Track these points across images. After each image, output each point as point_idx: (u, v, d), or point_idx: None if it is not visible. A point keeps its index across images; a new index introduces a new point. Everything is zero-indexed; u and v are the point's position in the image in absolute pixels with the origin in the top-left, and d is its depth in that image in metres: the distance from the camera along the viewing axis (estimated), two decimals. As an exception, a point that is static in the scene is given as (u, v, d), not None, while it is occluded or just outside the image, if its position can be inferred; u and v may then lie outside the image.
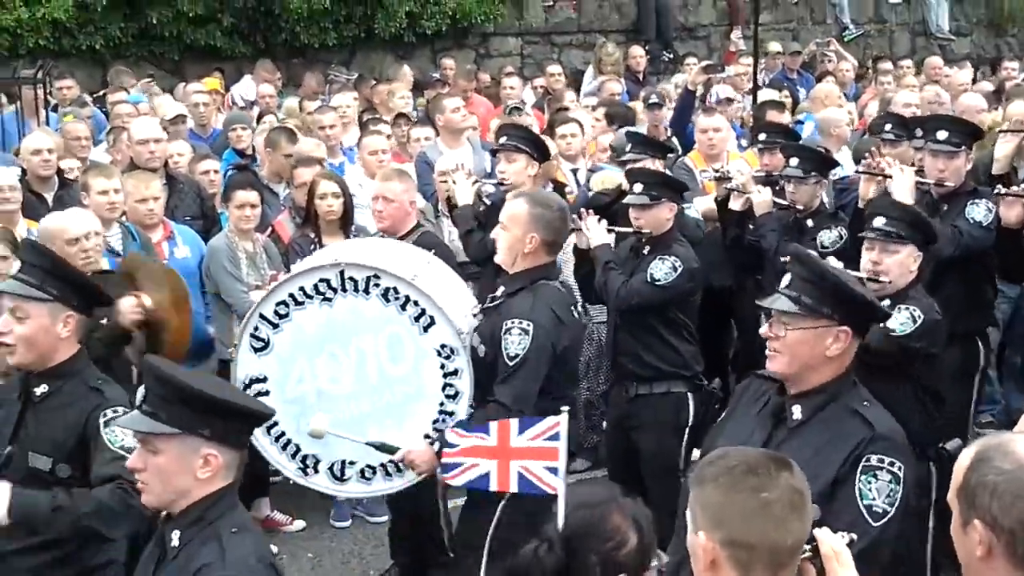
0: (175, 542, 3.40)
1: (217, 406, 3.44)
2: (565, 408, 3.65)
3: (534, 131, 8.14)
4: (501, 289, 5.58)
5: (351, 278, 5.51)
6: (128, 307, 5.99)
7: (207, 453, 3.38)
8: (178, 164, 9.00)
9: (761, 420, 4.03)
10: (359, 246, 6.32)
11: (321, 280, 5.53)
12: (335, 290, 5.52)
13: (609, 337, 6.81)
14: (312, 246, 7.43)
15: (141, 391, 3.48)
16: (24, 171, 8.33)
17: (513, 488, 3.45)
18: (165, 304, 6.18)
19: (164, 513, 3.51)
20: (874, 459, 3.77)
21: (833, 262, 5.90)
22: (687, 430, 6.47)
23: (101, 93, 12.71)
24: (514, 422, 3.58)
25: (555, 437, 3.46)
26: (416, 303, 5.46)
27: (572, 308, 5.68)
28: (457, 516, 7.02)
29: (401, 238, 6.94)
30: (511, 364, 5.27)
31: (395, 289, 5.48)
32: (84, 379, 4.53)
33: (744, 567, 2.67)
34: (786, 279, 4.04)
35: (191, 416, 3.37)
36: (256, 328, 5.58)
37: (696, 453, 4.57)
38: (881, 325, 5.47)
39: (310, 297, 5.54)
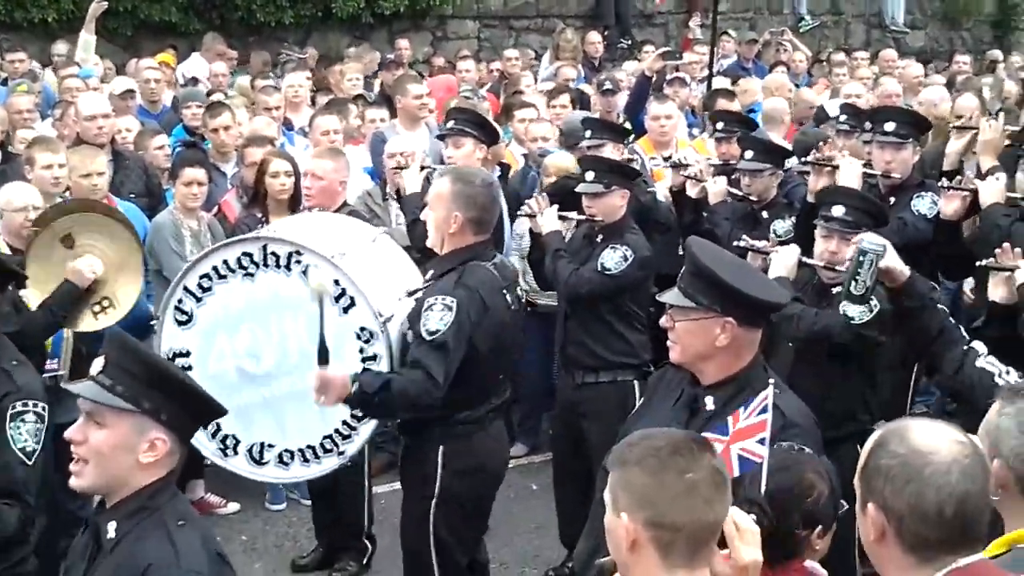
0: (111, 534, 3.22)
1: (181, 391, 3.30)
2: (771, 380, 3.66)
3: (481, 114, 8.08)
4: (430, 272, 5.46)
5: (273, 253, 5.42)
6: (85, 266, 6.13)
7: (156, 437, 3.22)
8: (126, 140, 8.91)
9: (676, 411, 4.07)
10: (299, 221, 6.24)
11: (244, 253, 5.45)
12: (257, 264, 5.43)
13: (559, 325, 6.78)
14: (259, 225, 7.35)
15: (99, 360, 3.31)
16: (-33, 144, 8.24)
17: (736, 472, 3.47)
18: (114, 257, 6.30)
19: (96, 502, 3.40)
20: (784, 446, 3.79)
21: (788, 251, 5.98)
22: None
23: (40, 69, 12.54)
24: (740, 411, 3.59)
25: (765, 410, 3.50)
26: (336, 282, 5.30)
27: (504, 292, 5.46)
28: (384, 499, 7.15)
29: None
30: (429, 338, 5.05)
31: (316, 267, 5.34)
32: None
33: (666, 547, 2.67)
34: (681, 272, 4.09)
35: (151, 395, 3.22)
36: (180, 300, 5.50)
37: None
38: (842, 314, 5.54)
39: (232, 271, 5.45)
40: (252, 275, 5.43)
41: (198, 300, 5.48)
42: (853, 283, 4.88)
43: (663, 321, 4.07)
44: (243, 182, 8.04)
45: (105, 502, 3.33)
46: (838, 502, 3.56)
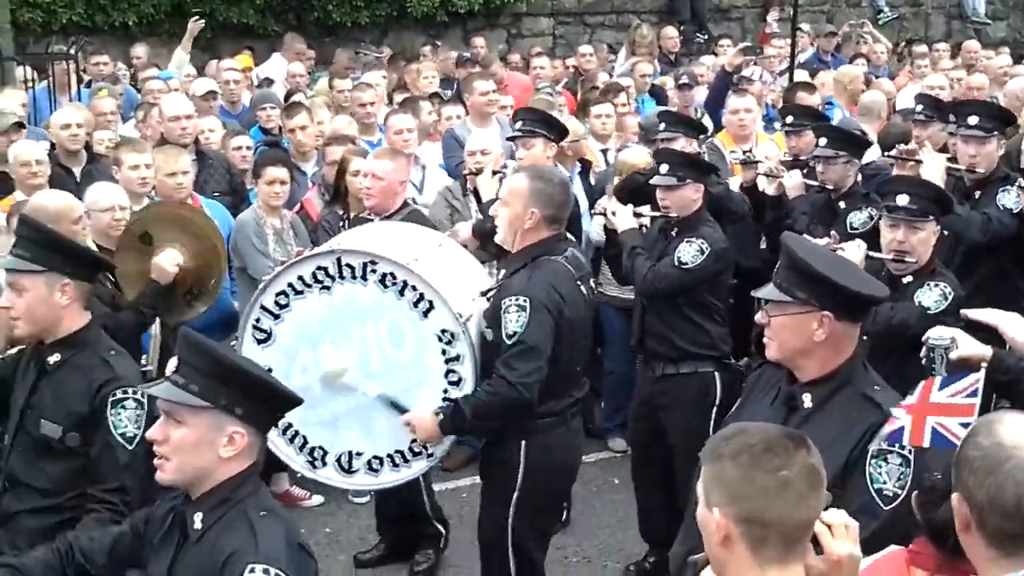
0: (198, 524, 3.32)
1: (254, 385, 3.37)
2: (984, 363, 3.64)
3: (548, 112, 8.08)
4: (503, 271, 5.51)
5: (348, 265, 5.42)
6: (167, 261, 6.25)
7: (233, 431, 3.30)
8: (209, 140, 9.04)
9: (774, 409, 4.03)
10: (364, 232, 6.26)
11: (319, 268, 5.45)
12: (332, 277, 5.43)
13: (636, 319, 6.76)
14: (341, 223, 7.46)
15: (173, 361, 3.41)
16: (53, 145, 8.38)
17: (926, 443, 3.44)
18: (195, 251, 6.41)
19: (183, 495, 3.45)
20: (885, 444, 3.75)
21: (854, 247, 5.93)
22: (714, 409, 6.42)
23: (131, 71, 12.75)
24: (937, 379, 3.56)
25: (974, 394, 3.46)
26: (414, 288, 5.36)
27: (578, 282, 5.51)
28: (442, 499, 7.16)
29: (389, 216, 6.93)
30: (510, 342, 5.18)
31: (392, 275, 5.39)
32: (96, 349, 4.55)
33: (758, 543, 2.66)
34: (776, 267, 4.05)
35: (225, 392, 3.30)
36: (258, 320, 5.52)
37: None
38: (917, 304, 5.48)
39: (309, 286, 5.46)
40: (329, 288, 5.45)
41: (276, 318, 5.50)
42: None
43: (759, 317, 4.04)
44: (324, 180, 8.12)
45: (190, 495, 3.41)
46: None
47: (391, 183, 7.02)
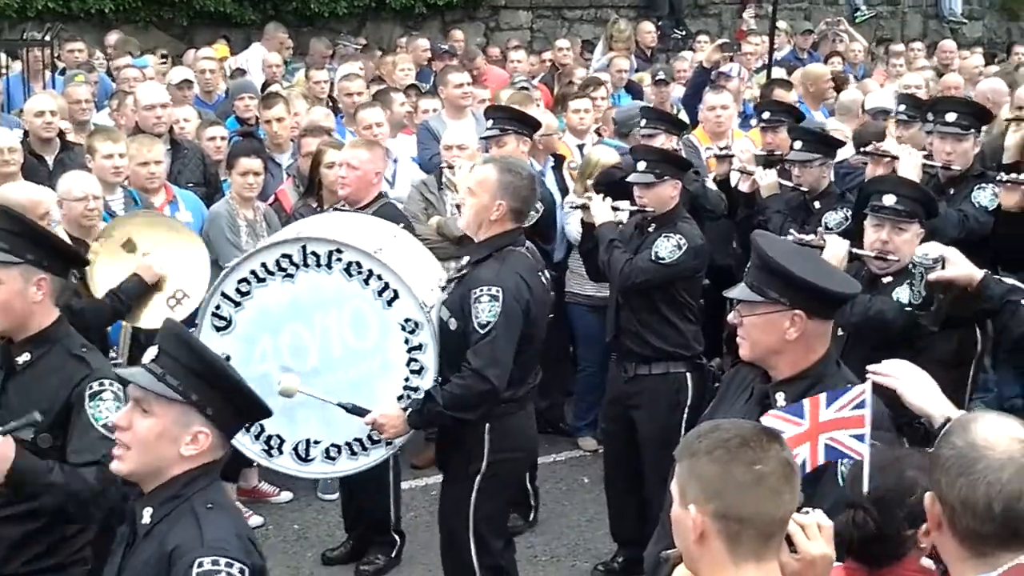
0: (146, 519, 3.24)
1: (230, 388, 3.32)
2: (870, 375, 3.64)
3: (518, 108, 8.06)
4: (466, 258, 5.54)
5: (313, 252, 5.43)
6: (154, 261, 6.26)
7: (199, 430, 3.24)
8: (184, 130, 8.98)
9: (748, 408, 4.01)
10: (324, 220, 6.24)
11: (283, 256, 5.45)
12: (296, 265, 5.43)
13: (611, 315, 6.75)
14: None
15: (152, 350, 3.33)
16: (26, 133, 8.31)
17: (821, 460, 3.44)
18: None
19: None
20: (880, 444, 3.74)
21: (837, 242, 5.94)
22: (686, 410, 6.43)
23: (104, 59, 12.66)
24: (822, 397, 3.54)
25: (861, 405, 3.44)
26: (379, 277, 5.39)
27: (540, 274, 5.64)
28: (411, 496, 7.22)
29: (363, 208, 6.92)
30: (482, 331, 5.25)
31: (357, 263, 5.41)
32: (66, 346, 4.40)
33: (734, 539, 2.65)
34: (747, 267, 4.05)
35: (200, 389, 3.25)
36: (218, 307, 5.48)
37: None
38: (896, 300, 5.49)
39: (272, 273, 5.46)
40: (292, 276, 5.45)
41: (237, 305, 5.48)
42: (910, 293, 4.87)
43: (731, 317, 4.04)
44: (299, 172, 8.08)
45: (143, 489, 3.34)
46: None
47: (366, 173, 6.99)
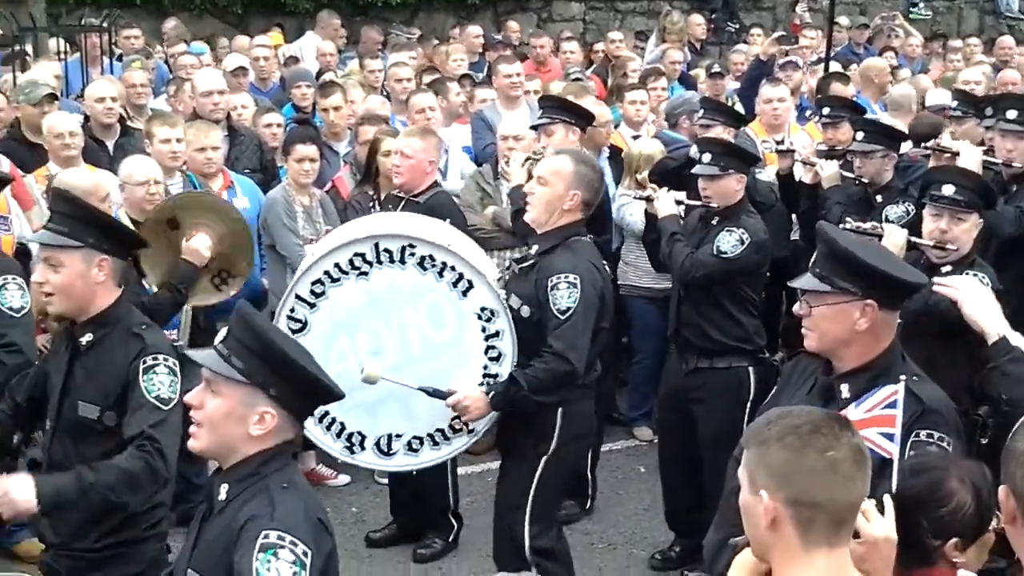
0: (222, 495, 3.31)
1: (294, 371, 3.33)
2: (903, 376, 3.64)
3: (570, 99, 8.05)
4: (535, 247, 5.61)
5: (386, 249, 5.44)
6: (201, 244, 6.21)
7: (264, 411, 3.27)
8: (241, 116, 9.03)
9: (810, 400, 3.97)
10: (385, 218, 6.26)
11: (356, 254, 5.45)
12: (370, 263, 5.44)
13: (673, 308, 6.73)
14: (371, 204, 7.44)
15: (224, 331, 3.37)
16: (86, 117, 8.38)
17: None
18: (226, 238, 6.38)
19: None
20: (923, 434, 3.72)
21: (897, 231, 5.91)
22: (747, 404, 6.38)
23: (160, 47, 12.76)
24: (866, 395, 3.57)
25: (892, 405, 3.44)
26: (453, 268, 5.44)
27: (604, 264, 5.77)
28: (468, 482, 7.25)
29: (416, 196, 6.95)
30: (562, 317, 5.35)
31: (431, 257, 5.44)
32: (127, 325, 4.48)
33: (806, 525, 2.64)
34: (814, 257, 4.01)
35: (263, 370, 3.28)
36: (292, 310, 5.48)
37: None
38: None
39: (346, 272, 5.46)
40: (367, 274, 5.45)
41: (311, 306, 5.46)
42: None
43: (796, 308, 4.00)
44: (356, 160, 8.11)
45: (221, 466, 3.42)
46: (989, 513, 3.35)
47: (420, 162, 7.01)
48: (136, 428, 4.24)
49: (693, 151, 7.30)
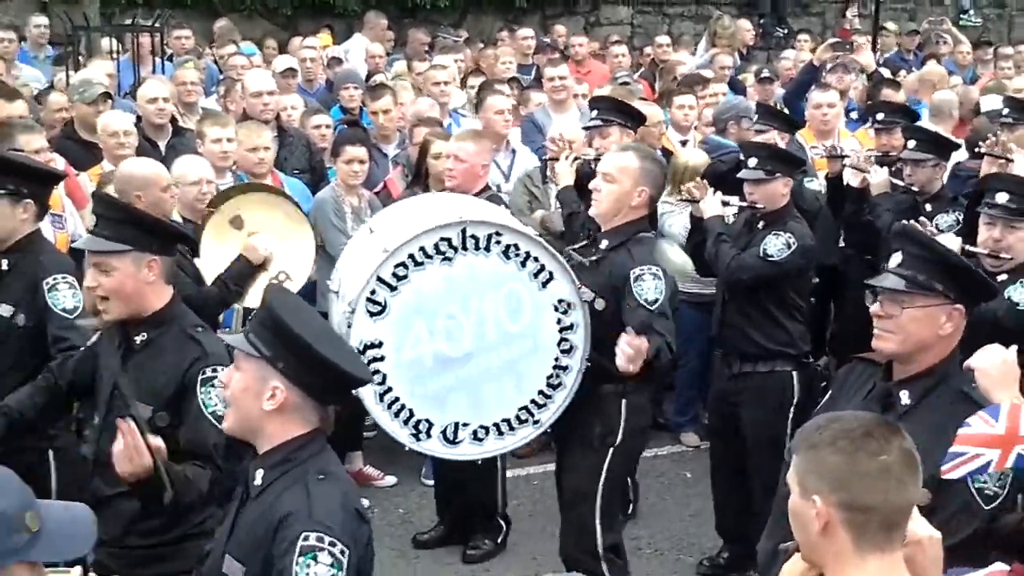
0: (258, 480, 3.38)
1: (298, 346, 3.34)
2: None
3: (623, 101, 8.02)
4: (605, 242, 5.66)
5: (472, 236, 5.44)
6: (259, 243, 6.34)
7: (275, 385, 3.33)
8: (291, 117, 9.07)
9: (867, 406, 3.91)
10: (472, 204, 6.22)
11: (442, 239, 5.43)
12: (456, 248, 5.42)
13: (717, 311, 6.73)
14: (419, 206, 7.45)
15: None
16: (139, 117, 8.45)
17: (1008, 466, 3.42)
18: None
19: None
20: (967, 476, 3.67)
21: (951, 238, 5.87)
22: (792, 409, 6.39)
23: (210, 48, 12.84)
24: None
25: None
26: (536, 259, 5.46)
27: None
28: (515, 485, 7.28)
29: None
30: (651, 308, 5.40)
31: (516, 246, 5.45)
32: (182, 326, 4.48)
33: (860, 529, 2.65)
34: (896, 258, 3.94)
35: (274, 345, 3.34)
36: (373, 292, 5.40)
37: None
38: (1008, 299, 5.41)
39: (430, 257, 5.43)
40: (451, 259, 5.43)
41: (392, 289, 5.42)
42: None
43: (876, 309, 3.91)
44: (408, 161, 8.13)
45: (256, 451, 3.46)
46: None
47: (473, 165, 7.00)
48: (200, 446, 4.27)
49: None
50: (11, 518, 2.25)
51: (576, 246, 5.85)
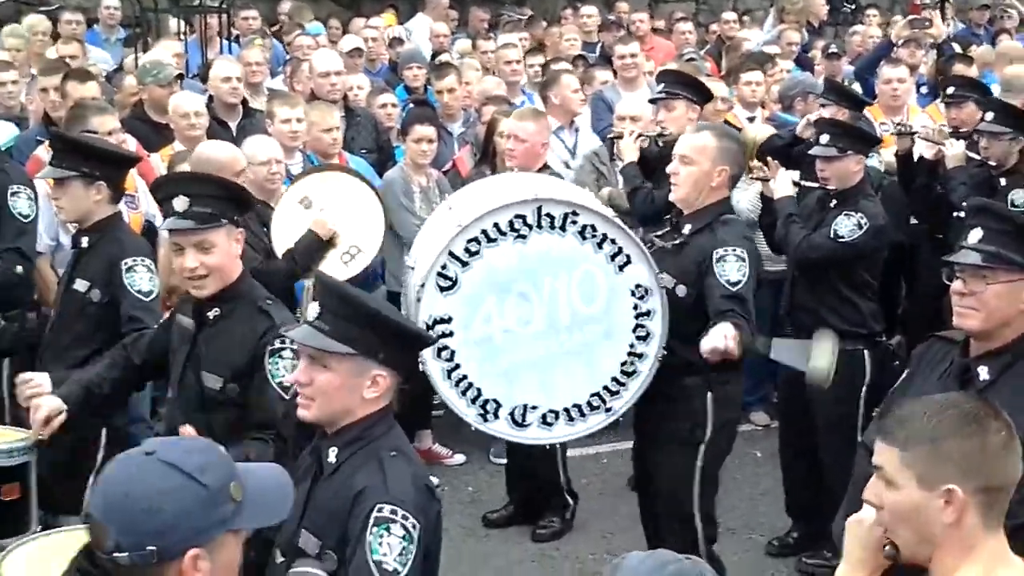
0: (332, 458, 3.44)
1: (394, 332, 3.45)
2: None
3: (692, 75, 7.97)
4: (687, 227, 5.46)
5: (548, 214, 5.29)
6: (328, 217, 6.41)
7: (376, 374, 3.39)
8: (358, 97, 9.10)
9: (945, 383, 3.89)
10: (548, 182, 6.18)
11: (517, 216, 5.29)
12: (530, 227, 5.29)
13: (787, 290, 6.66)
14: (487, 184, 7.47)
15: (315, 306, 3.45)
16: (210, 98, 8.52)
17: None
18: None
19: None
20: None
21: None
22: (863, 388, 6.30)
23: (276, 28, 12.90)
24: None
25: None
26: (613, 241, 5.29)
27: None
28: (581, 464, 7.25)
29: None
30: (734, 290, 5.19)
31: (592, 227, 5.29)
32: (253, 299, 4.54)
33: (988, 511, 2.64)
34: (975, 234, 3.89)
35: (367, 338, 3.37)
36: (444, 266, 5.28)
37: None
38: None
39: (503, 234, 5.30)
40: (525, 237, 5.30)
41: (464, 264, 5.30)
42: None
43: (958, 287, 3.86)
44: (477, 139, 8.15)
45: (326, 430, 3.51)
46: None
47: (533, 144, 7.03)
48: (265, 416, 4.33)
49: (799, 128, 7.26)
50: (219, 491, 2.34)
51: (658, 232, 5.65)
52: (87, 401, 4.71)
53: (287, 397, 4.32)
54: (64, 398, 4.63)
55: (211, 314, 4.54)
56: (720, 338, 4.95)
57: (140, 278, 5.30)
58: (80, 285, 5.38)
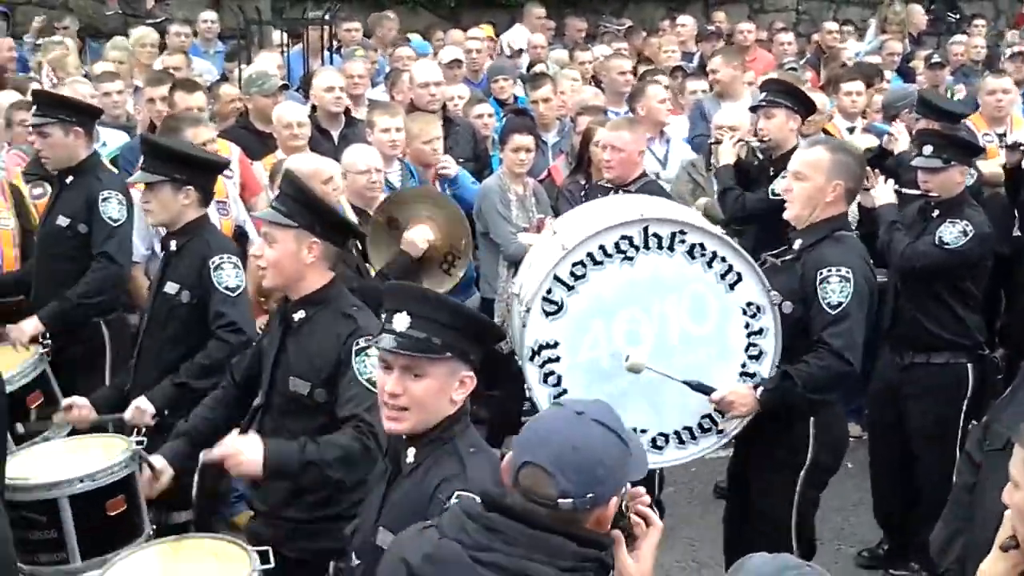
0: (410, 459, 3.46)
1: (486, 332, 3.51)
2: None
3: (794, 84, 7.91)
4: (799, 242, 5.34)
5: (655, 234, 5.12)
6: (418, 236, 6.45)
7: (464, 375, 3.43)
8: (456, 107, 9.20)
9: None
10: (654, 202, 5.94)
11: (623, 237, 5.13)
12: (637, 248, 5.12)
13: (889, 301, 6.55)
14: (582, 192, 7.51)
15: (403, 316, 3.43)
16: (313, 108, 8.67)
17: None
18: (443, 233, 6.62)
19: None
20: None
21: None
22: (965, 401, 6.22)
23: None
24: None
25: None
26: (723, 259, 5.12)
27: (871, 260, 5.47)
28: (670, 471, 6.99)
29: (627, 186, 6.96)
30: (834, 312, 5.08)
31: (701, 245, 5.12)
32: (339, 306, 4.60)
33: None
34: None
35: (462, 341, 3.41)
36: (549, 291, 5.13)
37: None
38: None
39: (610, 256, 5.14)
40: (632, 259, 5.13)
41: (570, 289, 5.14)
42: None
43: None
44: (573, 149, 8.20)
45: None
46: None
47: (630, 153, 7.06)
48: (351, 409, 4.36)
49: (884, 141, 7.20)
50: (632, 450, 2.78)
51: (773, 252, 5.47)
52: (193, 448, 4.77)
53: (376, 391, 4.37)
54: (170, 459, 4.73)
55: (296, 317, 4.63)
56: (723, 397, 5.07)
57: (227, 275, 5.44)
58: (170, 288, 5.52)
